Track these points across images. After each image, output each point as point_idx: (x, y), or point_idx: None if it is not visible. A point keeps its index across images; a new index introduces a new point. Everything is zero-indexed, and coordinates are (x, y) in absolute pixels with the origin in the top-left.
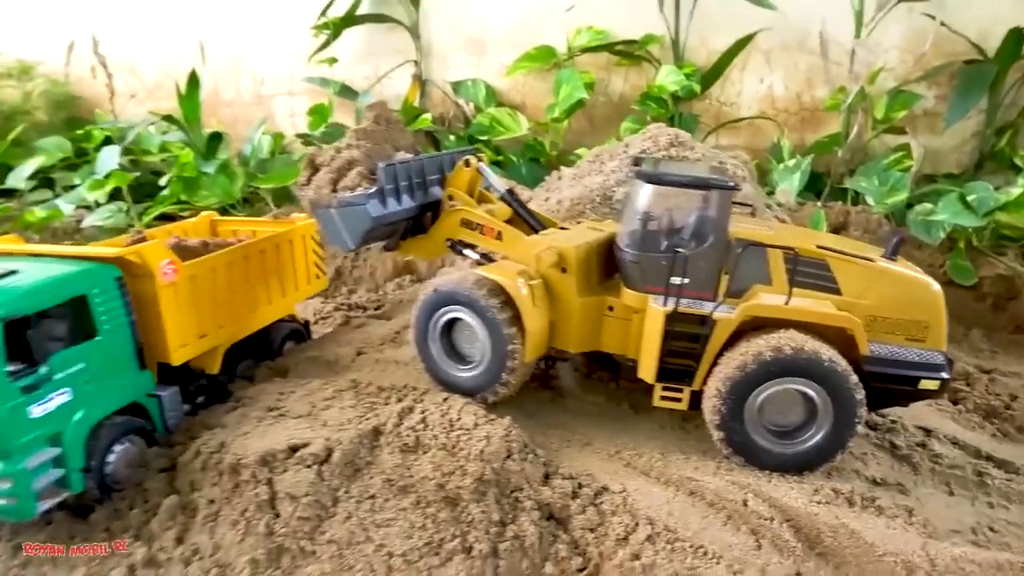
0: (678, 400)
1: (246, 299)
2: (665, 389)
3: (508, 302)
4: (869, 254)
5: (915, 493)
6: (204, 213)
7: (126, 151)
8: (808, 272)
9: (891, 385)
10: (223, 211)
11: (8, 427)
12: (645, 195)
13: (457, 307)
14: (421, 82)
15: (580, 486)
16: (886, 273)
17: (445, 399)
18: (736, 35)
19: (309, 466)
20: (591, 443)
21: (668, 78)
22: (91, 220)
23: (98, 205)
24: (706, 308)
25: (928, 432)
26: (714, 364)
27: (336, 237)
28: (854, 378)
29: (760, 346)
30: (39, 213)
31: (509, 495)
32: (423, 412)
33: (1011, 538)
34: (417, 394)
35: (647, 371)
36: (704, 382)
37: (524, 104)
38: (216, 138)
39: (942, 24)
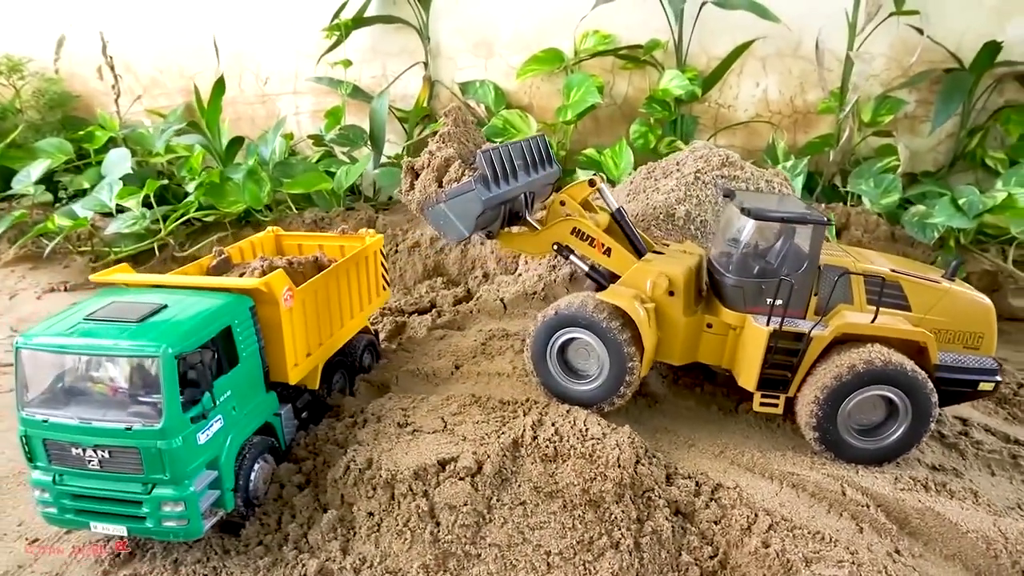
0: (775, 405)
1: (337, 315)
2: (764, 396)
3: (628, 323)
4: (933, 275)
5: (968, 476)
6: (270, 229)
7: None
8: (884, 292)
9: (955, 388)
10: (242, 218)
11: (182, 455)
12: (750, 228)
13: (577, 328)
14: (430, 83)
15: (699, 484)
16: (949, 293)
17: (568, 411)
18: (735, 42)
19: (462, 478)
20: (695, 444)
21: (672, 82)
22: (115, 227)
23: (119, 211)
24: (802, 326)
25: (965, 421)
26: (808, 374)
27: (450, 229)
28: (930, 384)
29: (854, 359)
30: (61, 220)
31: (642, 495)
32: (553, 424)
33: None
34: (540, 407)
35: (749, 380)
36: (798, 389)
37: (532, 105)
38: (236, 143)
39: (925, 35)
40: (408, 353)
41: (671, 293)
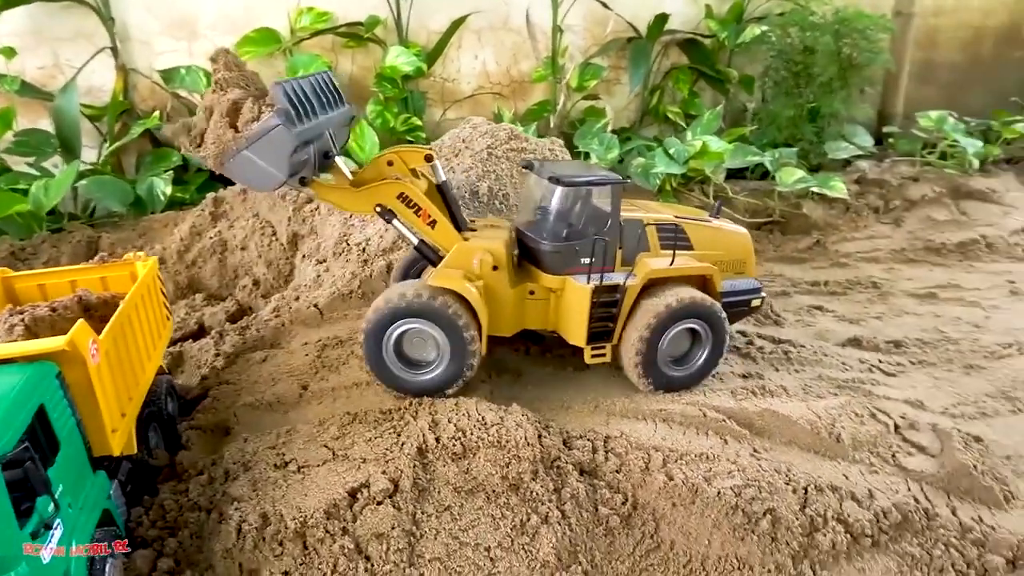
0: (603, 355)
1: (137, 360)
2: (594, 349)
3: (462, 305)
4: (704, 216)
5: (767, 376)
6: None
7: None
8: (674, 237)
9: (735, 308)
10: None
11: None
12: (559, 195)
13: (412, 319)
14: (125, 72)
15: (591, 441)
16: (719, 230)
17: (456, 404)
18: (450, 17)
19: (380, 503)
20: (571, 406)
21: (399, 59)
22: None
23: None
24: (616, 278)
25: (744, 334)
26: (626, 321)
27: (261, 177)
28: (721, 311)
29: (666, 300)
30: None
31: (552, 466)
32: (450, 421)
33: (827, 386)
34: (426, 407)
35: (578, 337)
36: (619, 337)
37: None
38: None
39: (613, 11)
40: (231, 385)
41: (495, 268)
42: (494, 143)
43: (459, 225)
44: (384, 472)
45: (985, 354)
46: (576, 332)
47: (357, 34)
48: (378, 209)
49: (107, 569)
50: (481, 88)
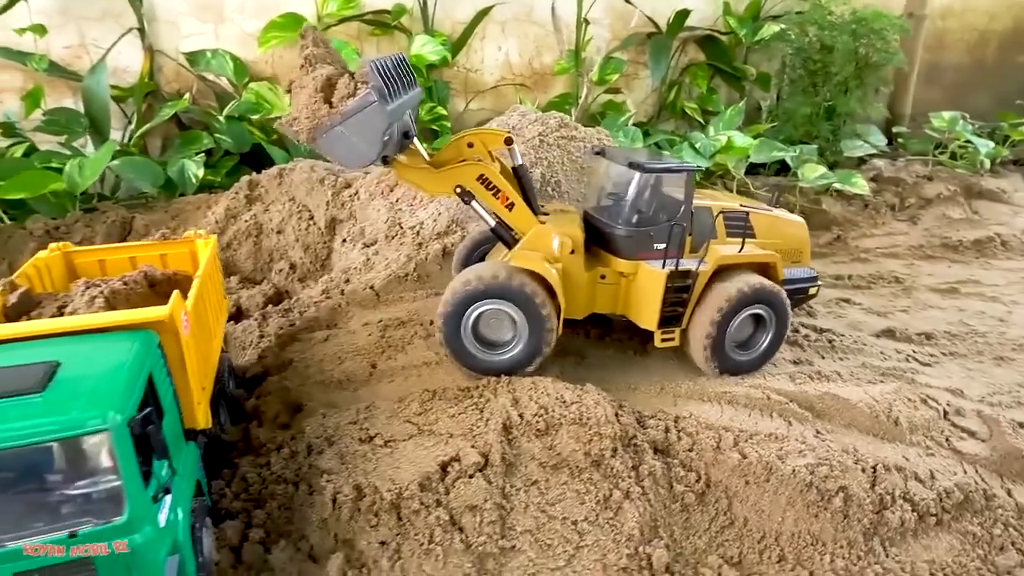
0: (673, 339)
1: (207, 335)
2: (664, 333)
3: (541, 286)
4: (764, 205)
5: (815, 362)
6: (55, 245)
7: None
8: (739, 225)
9: (794, 296)
10: None
11: (154, 551)
12: (637, 182)
13: (493, 300)
14: (152, 53)
15: (662, 420)
16: (779, 218)
17: (533, 384)
18: (475, 7)
19: (471, 476)
20: (637, 387)
21: (426, 47)
22: None
23: None
24: (690, 265)
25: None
26: (696, 306)
27: (352, 153)
28: (785, 297)
29: (736, 286)
30: None
31: (629, 444)
32: (528, 399)
33: (871, 374)
34: (504, 386)
35: (650, 321)
36: (689, 321)
37: (276, 77)
38: None
39: (632, 4)
40: (297, 364)
41: (572, 252)
42: (545, 131)
43: (535, 210)
44: (473, 446)
45: (1013, 346)
46: (648, 316)
47: (384, 22)
48: (458, 190)
49: (204, 538)
50: (503, 79)
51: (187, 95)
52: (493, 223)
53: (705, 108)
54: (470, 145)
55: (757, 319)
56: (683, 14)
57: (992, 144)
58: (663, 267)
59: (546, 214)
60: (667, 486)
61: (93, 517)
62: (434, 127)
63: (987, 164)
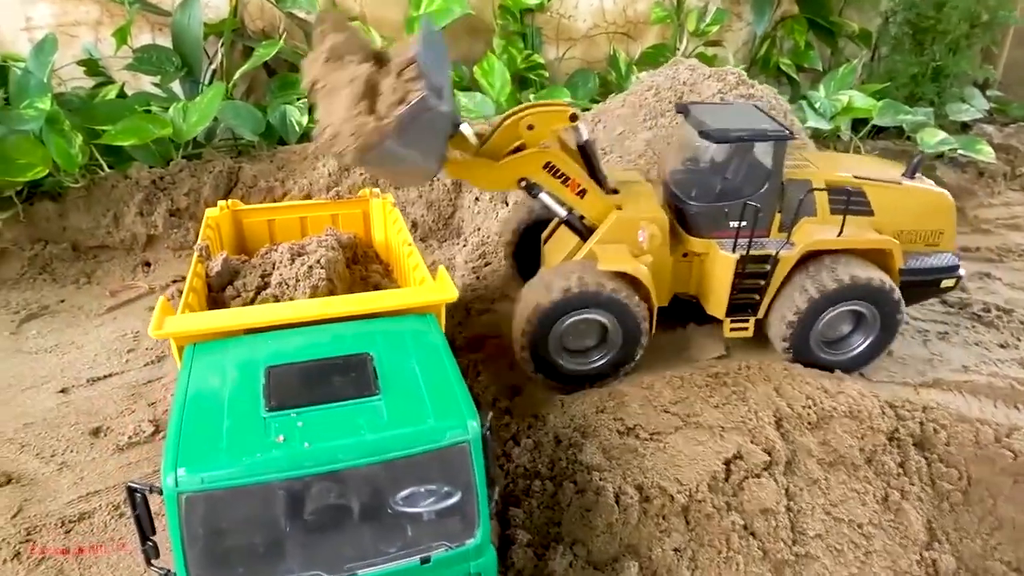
0: (745, 329)
1: None
2: (734, 322)
3: (630, 284)
4: (895, 174)
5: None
6: (224, 203)
7: None
8: (848, 201)
9: (919, 288)
10: (31, 189)
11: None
12: (711, 151)
13: (579, 311)
14: None
15: (911, 412)
16: (911, 192)
17: (786, 370)
18: None
19: (758, 476)
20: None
21: None
22: None
23: None
24: (769, 247)
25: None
26: (777, 293)
27: (413, 171)
28: (897, 294)
29: (826, 279)
30: None
31: (893, 439)
32: (791, 387)
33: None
34: (752, 372)
35: (718, 308)
36: (767, 310)
37: (364, 15)
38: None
39: None
40: (491, 341)
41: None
42: (724, 87)
43: (604, 188)
44: (754, 441)
45: None
46: (715, 303)
47: None
48: (523, 184)
49: None
50: (595, 26)
51: (282, 35)
52: (564, 214)
53: (800, 65)
54: (531, 127)
55: (857, 316)
56: None
57: None
58: (733, 250)
59: (615, 191)
60: (930, 483)
61: (446, 540)
62: (531, 75)
63: None
